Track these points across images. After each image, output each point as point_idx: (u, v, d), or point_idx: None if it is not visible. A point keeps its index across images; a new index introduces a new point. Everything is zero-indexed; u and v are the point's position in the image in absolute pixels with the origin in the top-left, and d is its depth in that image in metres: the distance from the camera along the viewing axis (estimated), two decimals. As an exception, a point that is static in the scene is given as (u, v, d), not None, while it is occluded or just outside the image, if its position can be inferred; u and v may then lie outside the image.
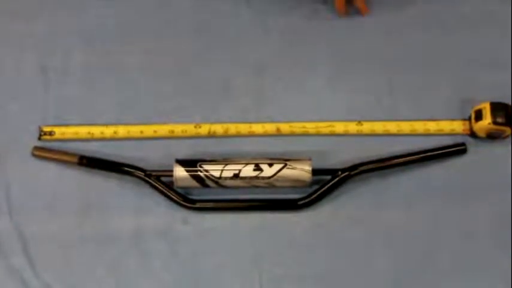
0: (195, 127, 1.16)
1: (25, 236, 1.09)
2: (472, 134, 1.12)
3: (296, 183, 1.09)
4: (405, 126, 1.13)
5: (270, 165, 1.09)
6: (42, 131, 1.16)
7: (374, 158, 1.10)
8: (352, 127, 1.14)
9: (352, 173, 1.09)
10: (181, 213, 1.10)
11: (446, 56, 1.18)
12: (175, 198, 1.10)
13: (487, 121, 1.09)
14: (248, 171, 1.08)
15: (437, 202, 1.09)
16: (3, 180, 1.13)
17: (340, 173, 1.09)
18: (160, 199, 1.11)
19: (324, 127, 1.15)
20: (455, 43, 1.19)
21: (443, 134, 1.13)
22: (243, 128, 1.15)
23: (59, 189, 1.13)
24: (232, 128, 1.15)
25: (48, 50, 1.22)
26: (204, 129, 1.16)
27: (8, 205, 1.11)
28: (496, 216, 1.07)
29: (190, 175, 1.09)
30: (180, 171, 1.09)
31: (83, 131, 1.16)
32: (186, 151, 1.14)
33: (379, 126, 1.14)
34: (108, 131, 1.16)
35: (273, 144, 1.14)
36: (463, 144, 1.11)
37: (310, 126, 1.15)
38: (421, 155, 1.10)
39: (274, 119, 1.16)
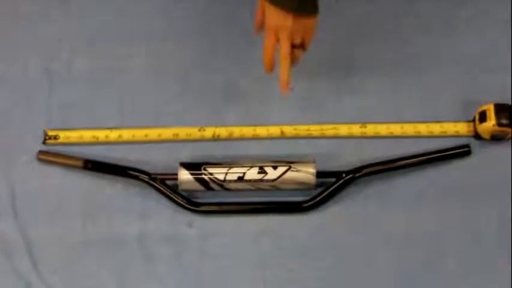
0: (200, 130, 1.16)
1: (30, 239, 1.10)
2: (476, 136, 1.12)
3: (300, 186, 1.09)
4: (409, 128, 1.13)
5: (275, 168, 1.09)
6: (46, 135, 1.16)
7: (378, 160, 1.10)
8: (356, 129, 1.14)
9: (357, 175, 1.09)
10: (185, 217, 1.10)
11: (449, 58, 1.18)
12: (180, 202, 1.10)
13: (491, 123, 1.09)
14: (252, 174, 1.08)
15: (442, 204, 1.09)
16: (9, 184, 1.13)
17: (344, 175, 1.09)
18: (165, 202, 1.11)
19: (328, 129, 1.15)
20: (458, 45, 1.19)
21: (447, 135, 1.13)
22: (247, 131, 1.15)
23: (64, 193, 1.13)
24: (237, 131, 1.15)
25: (52, 54, 1.22)
26: (209, 132, 1.16)
27: (13, 209, 1.12)
28: (501, 217, 1.07)
29: (195, 178, 1.09)
30: (184, 175, 1.09)
31: (87, 134, 1.16)
32: (190, 154, 1.14)
33: (383, 129, 1.14)
34: (113, 135, 1.16)
35: (277, 146, 1.14)
36: (467, 145, 1.11)
37: (314, 129, 1.15)
38: (425, 157, 1.10)
39: (278, 122, 1.16)
